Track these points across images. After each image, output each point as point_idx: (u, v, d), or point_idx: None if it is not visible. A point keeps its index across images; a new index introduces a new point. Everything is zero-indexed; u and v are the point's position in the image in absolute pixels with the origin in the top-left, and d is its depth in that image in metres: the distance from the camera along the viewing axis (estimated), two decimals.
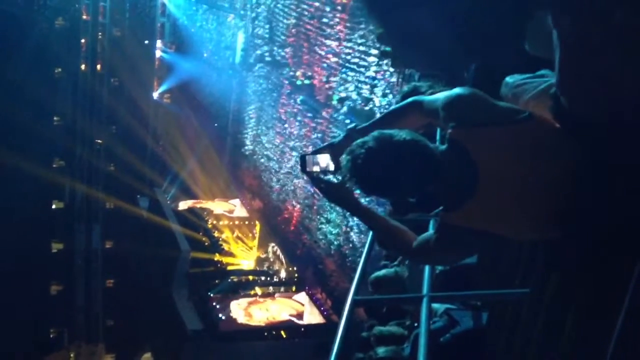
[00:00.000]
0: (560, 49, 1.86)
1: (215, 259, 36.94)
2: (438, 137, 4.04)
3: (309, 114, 32.98)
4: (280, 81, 35.72)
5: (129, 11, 43.08)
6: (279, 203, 36.76)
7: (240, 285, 34.79)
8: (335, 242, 31.04)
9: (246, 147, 40.97)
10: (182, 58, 43.34)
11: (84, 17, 39.77)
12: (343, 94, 29.54)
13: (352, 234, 28.94)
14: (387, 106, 24.45)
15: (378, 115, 2.50)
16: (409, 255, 2.43)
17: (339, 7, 29.46)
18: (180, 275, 33.50)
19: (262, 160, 38.77)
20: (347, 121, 27.57)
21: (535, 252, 2.49)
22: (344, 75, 29.39)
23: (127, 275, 36.48)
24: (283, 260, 37.04)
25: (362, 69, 27.83)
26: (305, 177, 2.45)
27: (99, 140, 40.89)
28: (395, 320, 5.30)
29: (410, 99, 2.41)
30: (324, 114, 31.41)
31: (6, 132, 27.08)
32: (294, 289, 34.50)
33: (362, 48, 27.68)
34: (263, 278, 36.28)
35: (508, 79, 2.59)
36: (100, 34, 41.00)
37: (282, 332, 30.51)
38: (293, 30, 33.85)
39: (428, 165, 2.08)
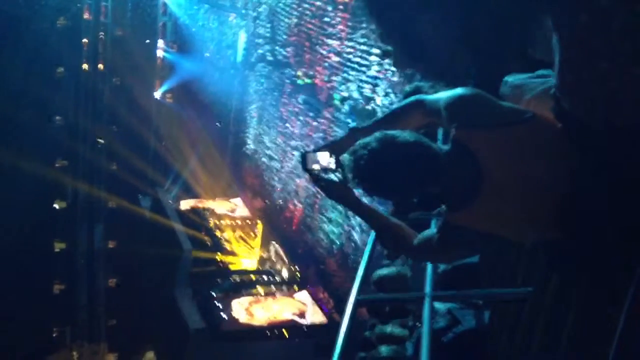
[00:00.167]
0: (559, 51, 1.86)
1: (217, 258, 36.93)
2: (440, 137, 4.05)
3: (311, 114, 32.96)
4: (282, 80, 35.70)
5: (130, 11, 43.07)
6: (281, 202, 36.76)
7: (242, 284, 34.79)
8: (338, 242, 31.02)
9: (248, 147, 40.97)
10: (183, 57, 43.34)
11: (86, 16, 39.77)
12: (345, 94, 29.52)
13: (354, 233, 28.91)
14: (388, 105, 24.44)
15: (380, 115, 2.51)
16: (409, 253, 2.45)
17: (341, 7, 29.43)
18: (182, 275, 33.51)
19: (264, 159, 38.77)
20: (349, 120, 27.58)
21: (536, 252, 2.50)
22: (345, 75, 29.37)
23: (129, 275, 36.52)
24: (285, 259, 37.03)
25: (364, 68, 27.80)
26: (306, 175, 2.45)
27: (101, 140, 40.90)
28: (398, 320, 5.30)
29: (412, 98, 2.41)
30: (325, 113, 31.39)
31: (7, 131, 27.10)
32: (296, 288, 34.47)
33: (363, 47, 27.65)
34: (265, 277, 36.28)
35: (507, 78, 2.59)
36: (102, 33, 40.98)
37: (285, 332, 30.48)
38: (295, 30, 33.83)
39: (431, 166, 2.08)
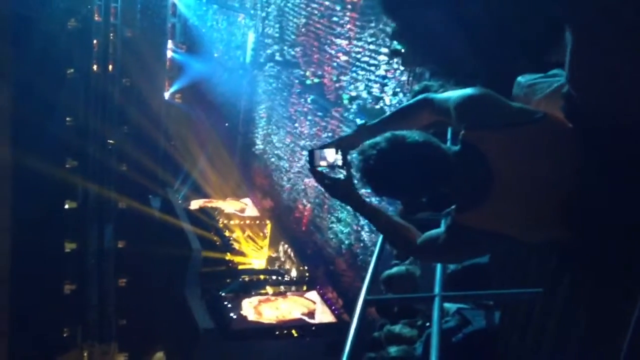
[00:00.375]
0: (571, 48, 1.85)
1: (227, 258, 37.07)
2: (449, 136, 4.03)
3: (319, 113, 33.01)
4: (291, 80, 35.78)
5: (140, 12, 43.28)
6: (290, 202, 36.83)
7: (252, 284, 34.90)
8: (346, 241, 31.05)
9: (257, 147, 41.09)
10: (192, 58, 43.54)
11: (96, 18, 39.99)
12: (353, 93, 29.54)
13: (363, 232, 28.93)
14: (397, 105, 24.41)
15: (388, 113, 2.50)
16: (413, 252, 2.42)
17: (349, 6, 29.46)
18: (192, 275, 33.64)
19: (273, 159, 38.87)
20: (358, 120, 27.56)
21: (547, 252, 2.48)
22: (354, 74, 29.39)
23: (139, 275, 36.68)
24: (294, 259, 37.10)
25: (373, 68, 27.81)
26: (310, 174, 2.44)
27: (111, 141, 41.11)
28: (407, 320, 5.29)
29: (420, 97, 2.39)
30: (334, 113, 31.42)
31: (19, 132, 27.26)
32: (305, 288, 34.55)
33: (372, 47, 27.66)
34: (274, 277, 36.38)
35: (520, 79, 2.58)
36: (111, 34, 41.20)
37: (294, 331, 30.55)
38: (303, 30, 33.89)
39: (440, 167, 2.06)
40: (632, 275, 1.79)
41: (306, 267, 35.71)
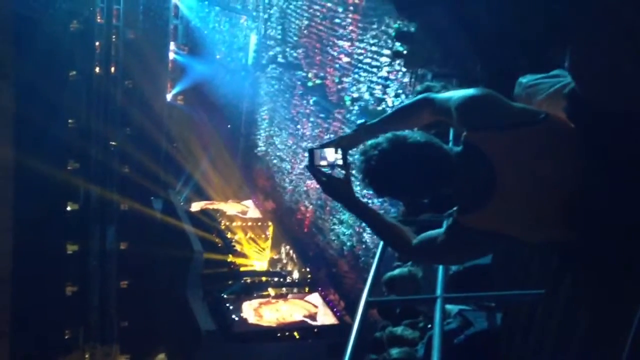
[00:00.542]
0: (572, 47, 1.85)
1: (229, 260, 37.09)
2: (451, 137, 4.03)
3: (322, 115, 33.01)
4: (293, 82, 35.79)
5: (142, 14, 43.35)
6: (292, 204, 36.81)
7: (254, 286, 34.89)
8: (348, 243, 31.03)
9: (259, 148, 41.09)
10: (195, 60, 43.59)
11: (99, 20, 40.05)
12: (355, 95, 29.53)
13: (365, 234, 28.89)
14: None
15: (388, 112, 2.49)
16: (409, 253, 2.41)
17: (351, 8, 29.46)
18: (193, 276, 33.64)
19: (275, 161, 38.87)
20: (360, 121, 27.57)
21: (549, 253, 2.48)
22: (356, 76, 29.39)
23: (141, 277, 36.69)
24: (296, 261, 37.10)
25: (375, 70, 27.80)
26: (308, 171, 2.44)
27: (113, 142, 41.16)
28: (408, 321, 5.29)
29: (420, 96, 2.39)
30: (336, 114, 31.41)
31: (21, 133, 27.30)
32: (307, 289, 34.53)
33: (374, 48, 27.65)
34: (276, 279, 36.35)
35: (521, 79, 2.57)
36: (114, 36, 41.25)
37: (296, 333, 30.53)
38: (305, 31, 33.90)
39: (442, 167, 2.06)
40: (634, 275, 1.78)
41: (308, 269, 35.70)
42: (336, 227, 32.02)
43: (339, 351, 2.86)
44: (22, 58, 28.06)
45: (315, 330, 30.71)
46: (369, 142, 2.11)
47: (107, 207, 40.01)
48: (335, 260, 32.48)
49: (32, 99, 29.28)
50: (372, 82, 28.03)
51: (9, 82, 26.23)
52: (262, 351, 28.60)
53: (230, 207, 41.96)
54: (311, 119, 34.13)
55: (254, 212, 41.79)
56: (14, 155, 26.92)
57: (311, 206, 34.72)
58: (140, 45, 41.40)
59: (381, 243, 4.02)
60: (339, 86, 31.09)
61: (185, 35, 45.13)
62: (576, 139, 1.99)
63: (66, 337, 35.96)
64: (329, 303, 32.12)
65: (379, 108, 27.09)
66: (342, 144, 2.36)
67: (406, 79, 23.72)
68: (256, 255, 39.37)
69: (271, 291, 34.33)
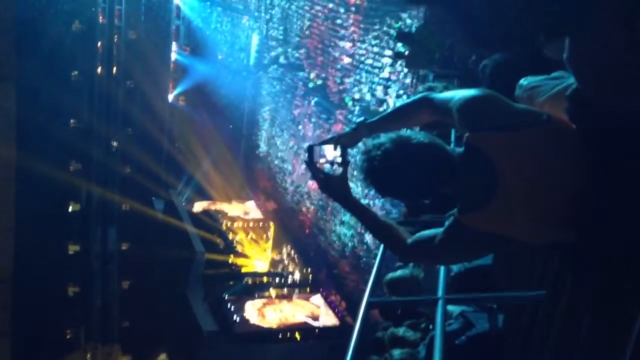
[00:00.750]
0: (573, 47, 1.85)
1: (230, 260, 37.08)
2: (453, 138, 4.03)
3: (323, 116, 33.01)
4: (295, 83, 35.79)
5: (144, 14, 43.36)
6: (293, 205, 36.81)
7: (255, 287, 34.89)
8: (350, 244, 31.01)
9: (260, 149, 41.10)
10: (196, 60, 43.59)
11: (100, 20, 40.07)
12: (357, 96, 29.53)
13: (366, 235, 28.87)
14: None
15: (388, 110, 2.50)
16: (403, 252, 2.40)
17: (353, 8, 29.46)
18: (195, 277, 33.65)
19: (277, 161, 38.87)
20: (359, 119, 27.56)
21: (551, 253, 2.48)
22: (358, 77, 29.39)
23: (142, 277, 36.70)
24: (297, 261, 37.08)
25: (376, 70, 27.79)
26: (304, 166, 2.45)
27: (114, 143, 41.18)
28: (410, 322, 5.29)
29: (420, 95, 2.39)
30: (338, 115, 31.41)
31: (22, 134, 27.33)
32: (308, 290, 34.52)
33: (376, 49, 27.65)
34: (277, 280, 36.34)
35: (522, 81, 2.57)
36: (116, 37, 41.27)
37: (297, 334, 30.53)
38: (307, 32, 33.92)
39: (445, 168, 2.06)
40: (636, 276, 1.78)
41: (309, 270, 35.68)
42: (337, 227, 32.02)
43: (340, 352, 2.86)
44: (24, 58, 28.12)
45: (317, 331, 30.70)
46: (372, 142, 2.11)
47: (109, 208, 40.01)
48: (337, 261, 32.47)
49: (34, 99, 29.34)
50: (373, 82, 28.03)
51: (10, 82, 26.28)
52: (263, 352, 28.61)
53: (231, 208, 41.97)
54: (313, 120, 34.14)
55: (255, 213, 41.79)
56: (16, 156, 26.96)
57: (312, 207, 34.71)
58: (142, 46, 41.41)
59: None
60: (341, 87, 31.09)
61: (187, 35, 45.13)
62: (578, 141, 1.99)
63: (67, 337, 35.98)
64: (330, 304, 32.11)
65: (381, 109, 27.09)
66: (342, 141, 2.36)
67: (408, 80, 23.72)
68: (257, 256, 39.37)
69: (272, 292, 34.33)
